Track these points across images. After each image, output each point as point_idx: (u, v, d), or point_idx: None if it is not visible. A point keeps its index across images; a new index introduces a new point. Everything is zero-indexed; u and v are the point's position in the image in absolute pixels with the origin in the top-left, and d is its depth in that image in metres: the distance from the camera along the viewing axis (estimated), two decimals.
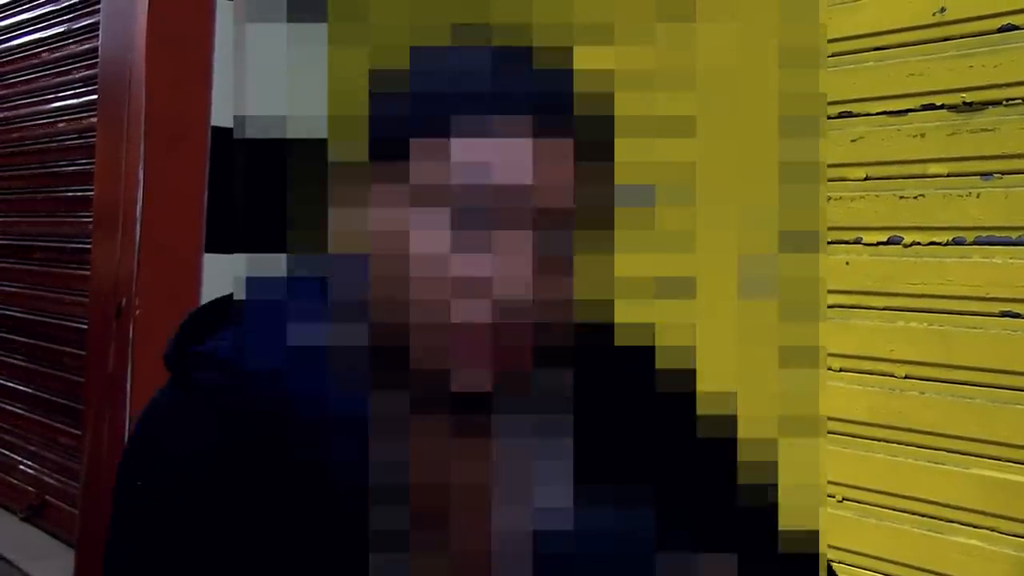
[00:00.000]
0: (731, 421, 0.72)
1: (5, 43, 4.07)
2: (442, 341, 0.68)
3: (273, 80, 0.66)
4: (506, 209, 0.67)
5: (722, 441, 0.72)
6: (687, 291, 0.69)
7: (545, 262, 0.67)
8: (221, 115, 2.68)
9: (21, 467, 3.72)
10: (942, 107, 1.97)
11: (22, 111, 3.93)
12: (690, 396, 0.73)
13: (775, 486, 0.70)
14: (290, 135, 0.69)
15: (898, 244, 2.03)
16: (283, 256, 0.73)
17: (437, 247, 0.67)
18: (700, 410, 0.73)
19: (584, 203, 0.67)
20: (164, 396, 0.78)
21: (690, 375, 0.73)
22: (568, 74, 0.68)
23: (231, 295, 0.75)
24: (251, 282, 0.74)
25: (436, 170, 0.67)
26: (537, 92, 0.68)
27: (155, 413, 0.78)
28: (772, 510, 0.70)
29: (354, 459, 0.69)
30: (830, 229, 2.10)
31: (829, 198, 2.11)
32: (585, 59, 0.65)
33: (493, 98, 0.67)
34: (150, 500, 0.74)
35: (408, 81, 0.67)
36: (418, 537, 0.68)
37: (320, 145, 0.67)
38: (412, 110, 0.67)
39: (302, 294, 0.74)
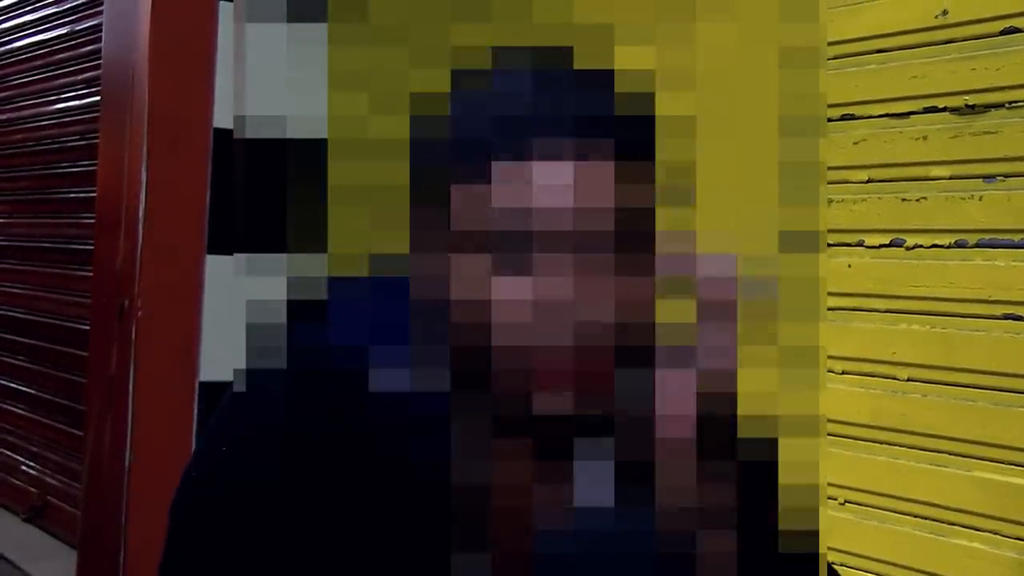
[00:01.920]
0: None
1: (8, 45, 4.08)
2: (523, 363, 0.68)
3: (273, 80, 0.66)
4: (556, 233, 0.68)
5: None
6: (687, 291, 0.69)
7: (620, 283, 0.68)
8: (223, 117, 2.69)
9: (23, 468, 3.72)
10: (944, 110, 1.97)
11: (25, 113, 3.94)
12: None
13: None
14: (290, 135, 0.69)
15: (900, 246, 2.03)
16: (284, 256, 0.73)
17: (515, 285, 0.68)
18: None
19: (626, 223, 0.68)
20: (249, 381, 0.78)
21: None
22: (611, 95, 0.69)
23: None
24: (292, 282, 0.74)
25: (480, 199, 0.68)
26: (582, 115, 0.69)
27: (239, 397, 0.78)
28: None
29: (434, 459, 0.69)
30: (832, 231, 2.10)
31: (831, 200, 2.11)
32: (585, 59, 0.65)
33: (538, 122, 0.68)
34: (225, 485, 0.74)
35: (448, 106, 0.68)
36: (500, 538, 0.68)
37: (320, 145, 0.68)
38: (454, 135, 0.68)
39: (386, 293, 0.74)
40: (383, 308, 0.74)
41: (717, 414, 0.71)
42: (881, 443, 2.05)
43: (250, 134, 0.69)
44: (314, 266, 0.71)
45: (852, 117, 2.10)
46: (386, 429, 0.71)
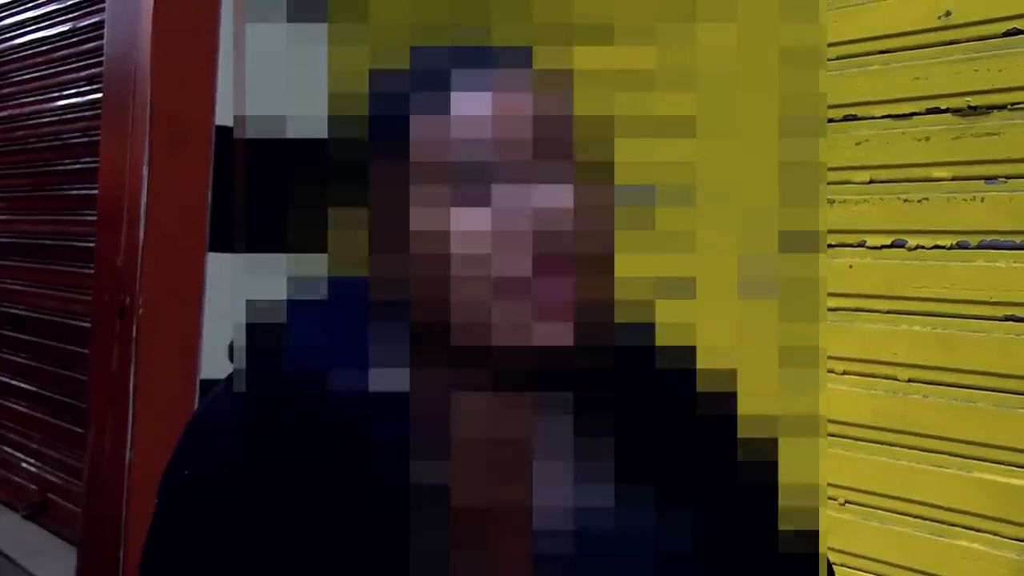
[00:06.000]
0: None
1: (9, 41, 4.08)
2: (485, 309, 0.68)
3: (273, 80, 0.66)
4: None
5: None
6: (687, 291, 0.69)
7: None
8: (225, 114, 2.69)
9: (23, 465, 3.72)
10: (947, 111, 1.97)
11: (26, 109, 3.94)
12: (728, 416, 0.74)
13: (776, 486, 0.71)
14: (290, 135, 0.69)
15: (902, 247, 2.03)
16: (284, 256, 0.73)
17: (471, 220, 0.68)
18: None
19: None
20: (219, 389, 0.79)
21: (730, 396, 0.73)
22: None
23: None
24: (292, 282, 0.74)
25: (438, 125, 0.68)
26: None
27: (208, 405, 0.79)
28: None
29: (394, 458, 0.69)
30: (834, 232, 2.10)
31: (833, 201, 2.11)
32: (585, 59, 0.65)
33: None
34: (191, 490, 0.75)
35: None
36: (458, 537, 0.68)
37: (320, 145, 0.68)
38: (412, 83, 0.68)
39: (341, 294, 0.75)
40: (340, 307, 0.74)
41: None
42: (882, 444, 2.04)
43: (250, 134, 0.69)
44: (314, 266, 0.71)
45: (854, 118, 2.10)
46: (344, 427, 0.71)
